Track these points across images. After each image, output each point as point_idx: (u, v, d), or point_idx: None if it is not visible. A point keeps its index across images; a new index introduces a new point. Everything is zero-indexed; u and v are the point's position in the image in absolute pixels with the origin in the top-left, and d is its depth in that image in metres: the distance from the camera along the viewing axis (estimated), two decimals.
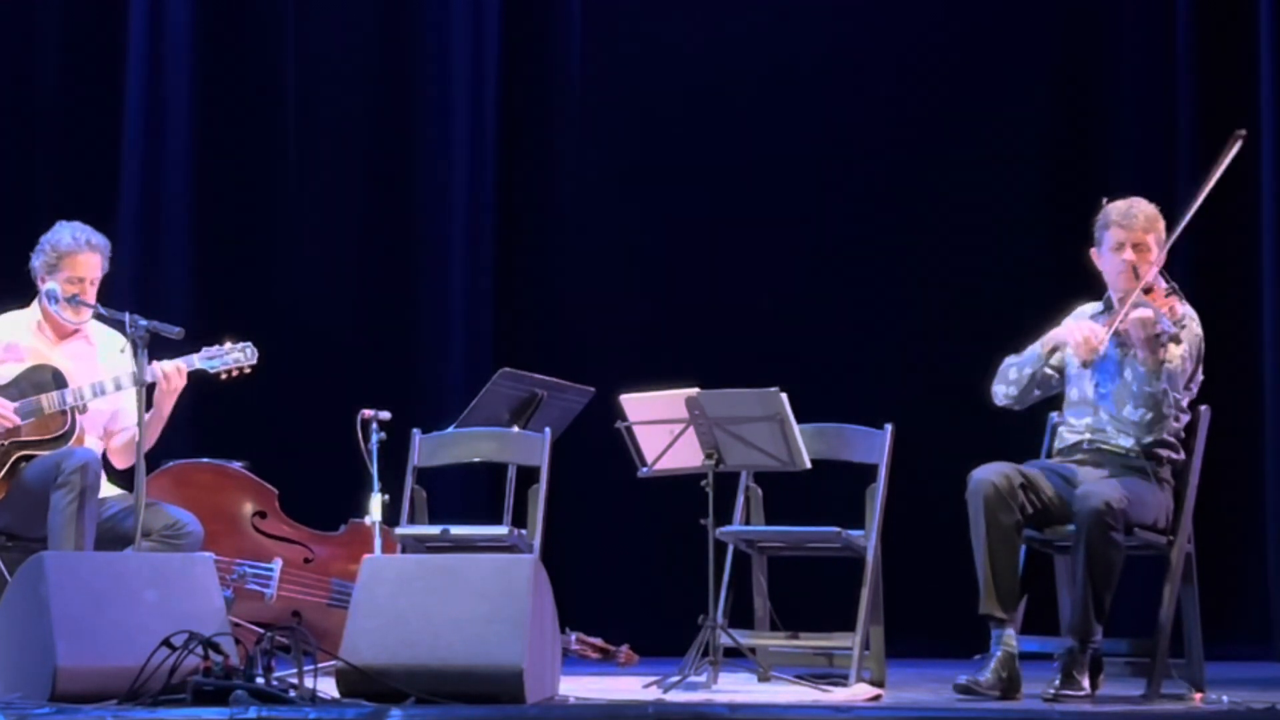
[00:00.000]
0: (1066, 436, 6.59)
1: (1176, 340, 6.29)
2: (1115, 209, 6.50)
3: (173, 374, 6.79)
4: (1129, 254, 6.43)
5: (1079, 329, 6.41)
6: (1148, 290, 6.37)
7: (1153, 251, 6.43)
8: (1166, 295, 6.39)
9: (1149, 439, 6.42)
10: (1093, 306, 6.63)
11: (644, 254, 9.49)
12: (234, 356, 6.95)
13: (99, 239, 6.95)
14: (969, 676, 6.22)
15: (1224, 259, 9.14)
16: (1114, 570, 6.24)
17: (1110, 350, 6.47)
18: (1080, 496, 6.28)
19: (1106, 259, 6.50)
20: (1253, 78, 9.08)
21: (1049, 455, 6.67)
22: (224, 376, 6.97)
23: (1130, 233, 6.44)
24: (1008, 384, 6.57)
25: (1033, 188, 9.35)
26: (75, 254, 6.89)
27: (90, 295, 6.90)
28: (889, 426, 6.75)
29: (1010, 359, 6.58)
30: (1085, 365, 6.41)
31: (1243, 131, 6.47)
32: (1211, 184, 6.44)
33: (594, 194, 9.51)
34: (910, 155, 9.43)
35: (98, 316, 6.92)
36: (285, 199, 9.40)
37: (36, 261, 6.93)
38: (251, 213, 9.36)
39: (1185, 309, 6.43)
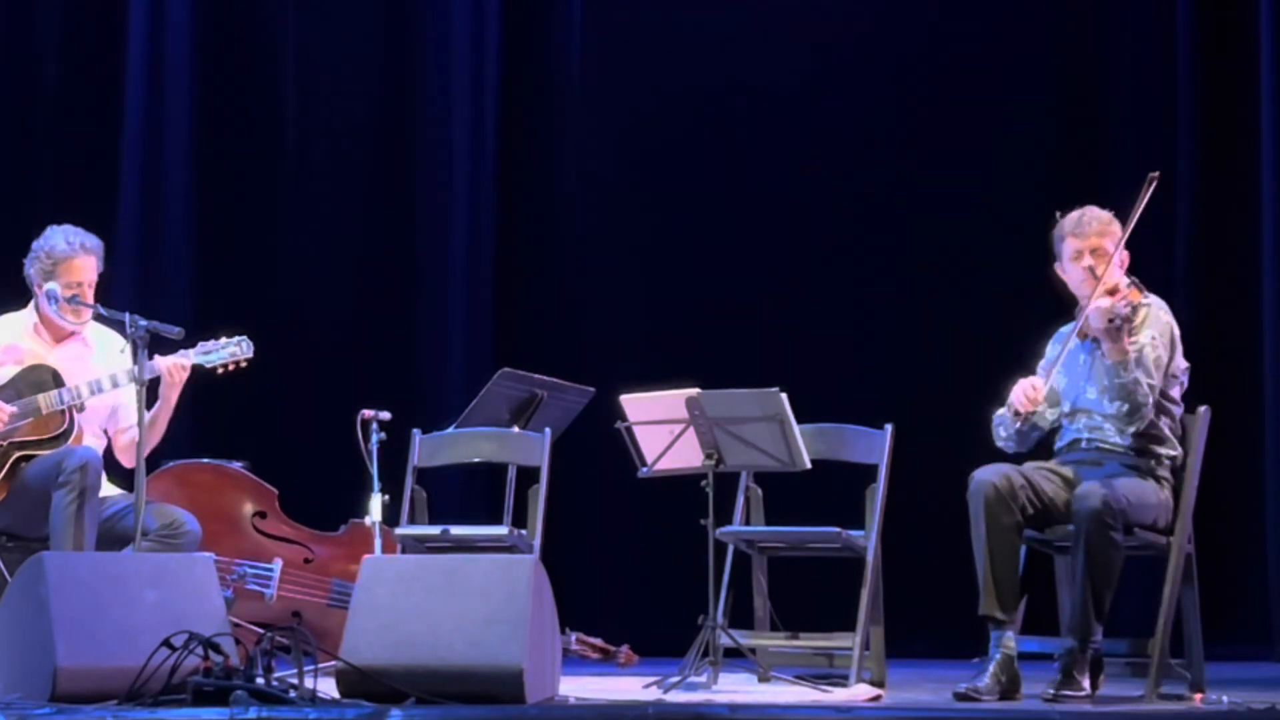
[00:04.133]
0: (1066, 436, 6.60)
1: (1129, 319, 6.32)
2: (1069, 221, 6.58)
3: (175, 369, 6.79)
4: (1087, 260, 6.49)
5: (1018, 388, 6.46)
6: (1112, 291, 6.42)
7: (1110, 255, 6.48)
8: (1128, 288, 6.44)
9: (1131, 430, 6.42)
10: (1068, 326, 6.65)
11: (644, 253, 9.49)
12: (230, 350, 6.95)
13: (92, 241, 6.94)
14: (968, 684, 6.22)
15: (1224, 259, 9.14)
16: (1113, 570, 6.24)
17: (1086, 357, 6.50)
18: (1079, 496, 6.28)
19: (1068, 270, 6.57)
20: (1253, 77, 9.07)
21: (1049, 455, 6.67)
22: (220, 371, 6.97)
23: (1085, 240, 6.52)
24: (1003, 440, 6.60)
25: (1033, 187, 9.32)
26: (71, 259, 6.88)
27: (88, 297, 6.90)
28: (889, 426, 6.75)
29: (997, 418, 6.58)
30: (1023, 416, 6.43)
31: (1156, 174, 6.49)
32: (1131, 227, 6.48)
33: (594, 193, 9.51)
34: (911, 155, 9.42)
35: (97, 317, 6.92)
36: (285, 199, 9.40)
37: (31, 269, 6.92)
38: (251, 213, 9.36)
39: (1150, 298, 6.48)
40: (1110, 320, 6.30)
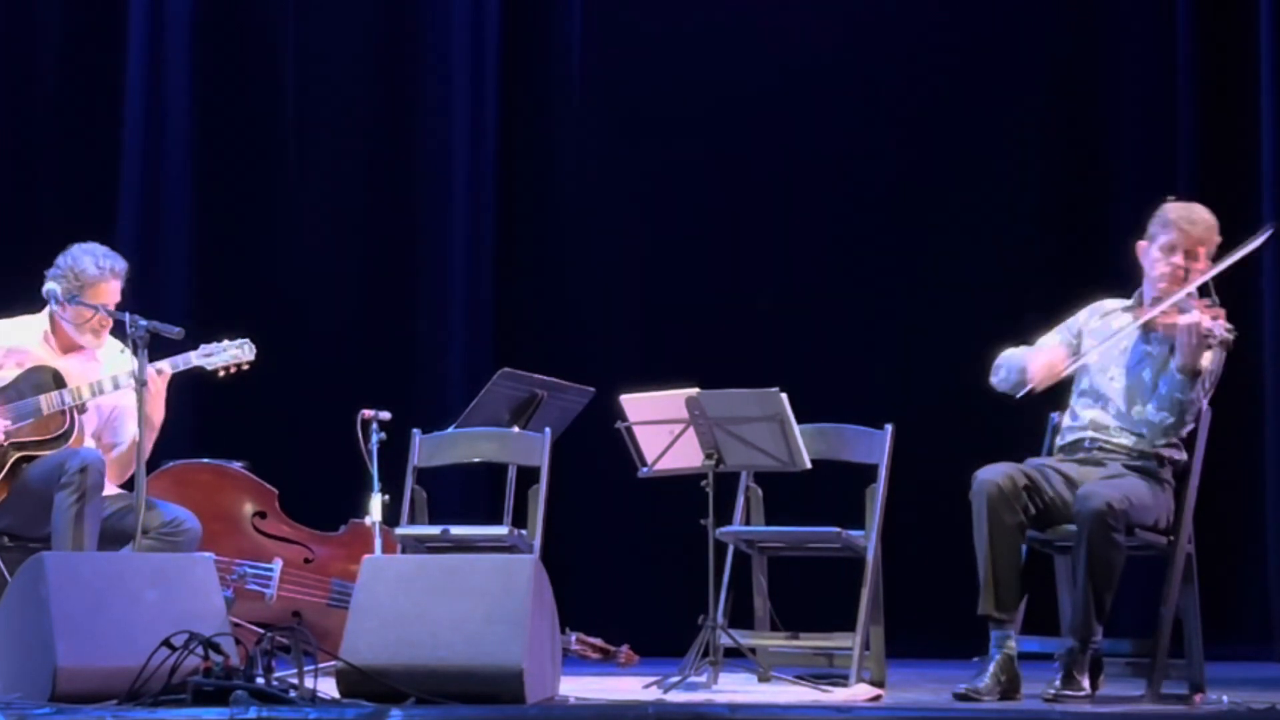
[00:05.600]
0: (1068, 434, 6.59)
1: (1227, 345, 6.30)
2: (1179, 209, 6.46)
3: (149, 381, 6.66)
4: (1179, 258, 6.42)
5: (1040, 357, 6.44)
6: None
7: (1202, 261, 6.42)
8: (1207, 307, 6.38)
9: (1161, 441, 6.41)
10: (1115, 302, 6.61)
11: (644, 254, 9.49)
12: (231, 353, 6.94)
13: (120, 264, 6.90)
14: (967, 685, 6.22)
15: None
16: (1115, 571, 6.23)
17: (1136, 344, 6.47)
18: (1081, 497, 6.28)
19: (1154, 256, 6.46)
20: (1253, 78, 9.08)
21: (1049, 453, 6.67)
22: (222, 373, 6.96)
23: (1189, 238, 6.41)
24: (1000, 380, 6.57)
25: (1033, 187, 9.35)
26: (99, 283, 6.84)
27: (106, 320, 6.86)
28: (889, 426, 6.75)
29: (1002, 359, 6.57)
30: (1034, 389, 6.43)
31: (1273, 226, 6.48)
32: (1230, 263, 6.41)
33: (594, 194, 9.51)
34: (911, 154, 9.43)
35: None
36: (285, 198, 9.41)
37: (57, 287, 6.84)
38: (251, 212, 9.37)
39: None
40: (1204, 338, 6.23)
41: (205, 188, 9.34)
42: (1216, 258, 6.43)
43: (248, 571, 7.50)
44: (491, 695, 5.58)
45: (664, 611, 7.69)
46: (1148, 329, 6.43)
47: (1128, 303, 6.57)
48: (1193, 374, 6.29)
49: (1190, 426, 6.43)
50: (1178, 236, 6.42)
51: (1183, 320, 6.27)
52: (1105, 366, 6.53)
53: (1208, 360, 6.34)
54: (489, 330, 9.39)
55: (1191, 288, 6.35)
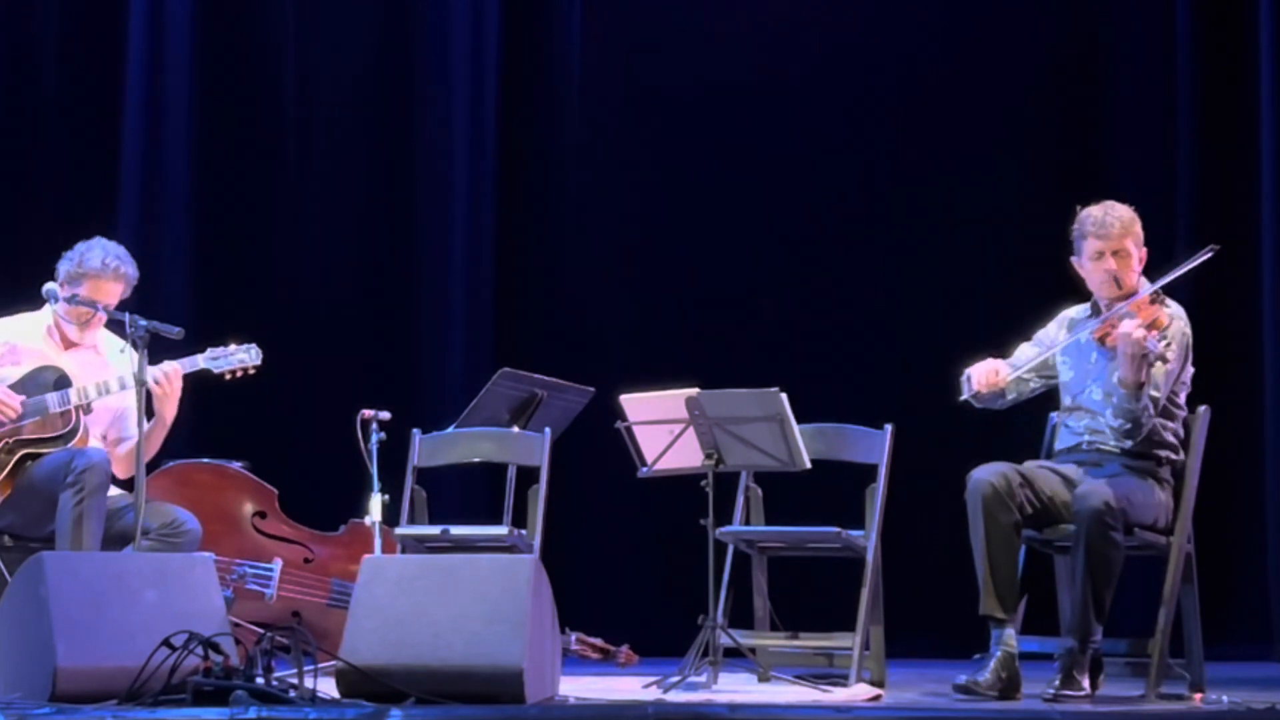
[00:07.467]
0: (1067, 437, 6.60)
1: (1164, 359, 6.30)
2: (1091, 217, 6.50)
3: (163, 379, 6.72)
4: (1109, 263, 6.45)
5: (982, 365, 6.51)
6: (1129, 295, 6.38)
7: (1132, 256, 6.45)
8: (1151, 301, 6.38)
9: (1129, 444, 6.42)
10: (1079, 309, 6.64)
11: (644, 254, 9.49)
12: (239, 357, 6.95)
13: (128, 268, 6.90)
14: (968, 677, 6.23)
15: (1224, 259, 9.12)
16: (1113, 570, 6.24)
17: (1099, 358, 6.48)
18: (1079, 496, 6.28)
19: (1087, 268, 6.52)
20: (1253, 78, 9.08)
21: (1049, 455, 6.67)
22: (228, 377, 6.97)
23: (1108, 241, 6.45)
24: (963, 394, 6.59)
25: (1032, 187, 9.34)
26: (99, 279, 6.84)
27: (99, 318, 6.87)
28: (889, 426, 6.75)
29: (964, 375, 6.60)
30: (977, 398, 6.50)
31: (1217, 246, 6.46)
32: (1168, 281, 6.41)
33: (594, 193, 9.51)
34: (910, 154, 9.42)
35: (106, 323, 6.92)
36: (285, 198, 9.40)
37: (62, 266, 6.89)
38: (251, 212, 9.36)
39: (1171, 309, 6.44)
40: (1143, 354, 6.25)
41: (205, 187, 9.33)
42: (1161, 271, 6.43)
43: (248, 571, 7.50)
44: (491, 695, 5.58)
45: (664, 611, 7.70)
46: (1101, 340, 6.44)
47: (1087, 310, 6.58)
48: (1134, 387, 6.29)
49: (1161, 428, 6.41)
50: (1098, 243, 6.46)
51: (1120, 330, 6.28)
52: (1082, 380, 6.55)
53: (1158, 367, 6.34)
54: (489, 330, 9.38)
55: (1128, 304, 6.35)
